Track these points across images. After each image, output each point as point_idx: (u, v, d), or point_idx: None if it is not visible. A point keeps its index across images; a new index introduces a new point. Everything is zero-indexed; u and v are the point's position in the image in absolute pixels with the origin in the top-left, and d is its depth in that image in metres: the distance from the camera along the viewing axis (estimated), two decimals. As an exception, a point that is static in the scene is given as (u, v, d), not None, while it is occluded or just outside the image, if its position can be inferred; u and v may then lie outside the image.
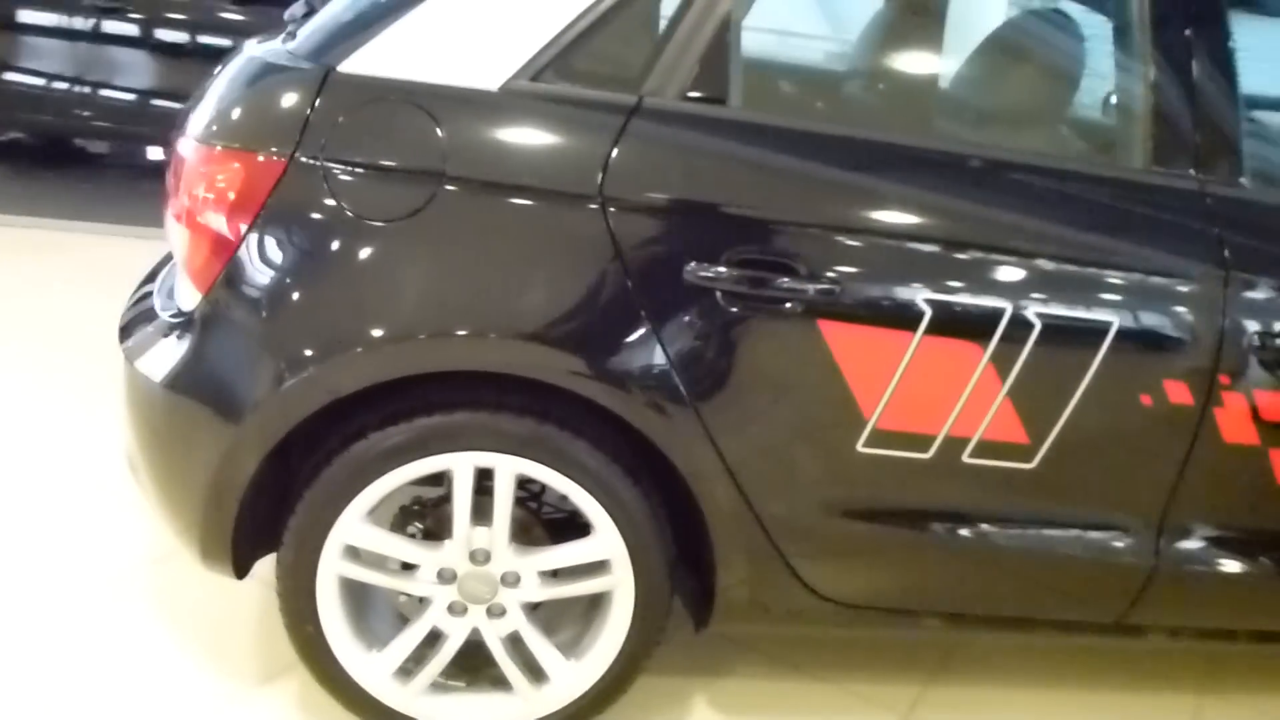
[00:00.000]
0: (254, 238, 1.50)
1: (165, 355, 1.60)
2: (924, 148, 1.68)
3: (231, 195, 1.50)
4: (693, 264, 1.50)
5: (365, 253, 1.49)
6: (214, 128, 1.56)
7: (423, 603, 1.70)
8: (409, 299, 1.50)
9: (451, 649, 1.71)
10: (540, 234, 1.51)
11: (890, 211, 1.56)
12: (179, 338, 1.59)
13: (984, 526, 1.70)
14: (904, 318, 1.54)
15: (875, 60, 2.00)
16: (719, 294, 1.51)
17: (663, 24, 1.58)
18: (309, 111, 1.49)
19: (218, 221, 1.52)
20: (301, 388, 1.49)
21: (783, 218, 1.54)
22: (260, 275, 1.51)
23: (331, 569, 1.63)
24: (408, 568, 1.69)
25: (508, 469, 1.59)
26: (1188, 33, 1.65)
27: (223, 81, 1.63)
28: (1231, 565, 1.78)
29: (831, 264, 1.53)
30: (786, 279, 1.51)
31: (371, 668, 1.70)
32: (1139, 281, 1.61)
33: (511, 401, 1.57)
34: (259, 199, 1.49)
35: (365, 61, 1.52)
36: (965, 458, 1.62)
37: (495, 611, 1.69)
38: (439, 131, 1.49)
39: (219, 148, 1.53)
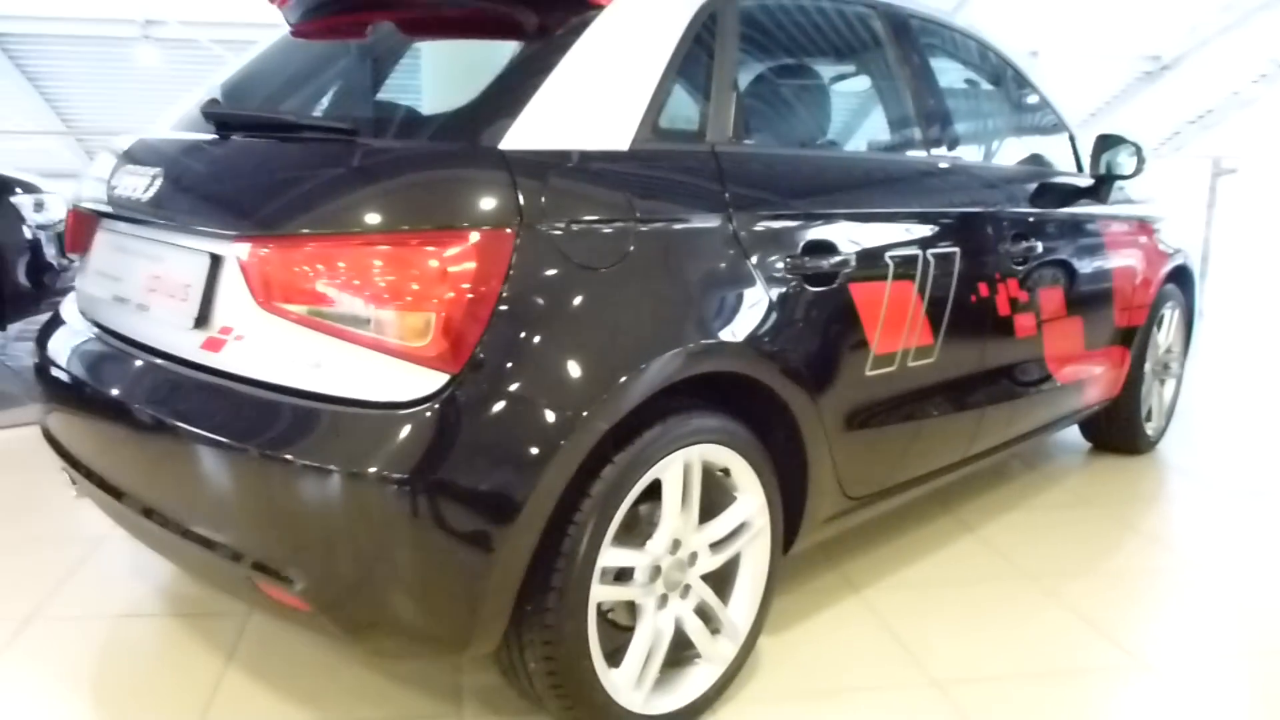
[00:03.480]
0: (506, 305, 1.61)
1: (403, 449, 1.55)
2: (875, 158, 2.46)
3: (468, 268, 1.59)
4: (786, 257, 2.00)
5: (603, 295, 1.70)
6: (408, 214, 1.61)
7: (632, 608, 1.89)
8: (654, 322, 1.76)
9: (666, 642, 1.92)
10: (709, 258, 1.88)
11: (865, 198, 2.26)
12: (422, 426, 1.56)
13: (920, 407, 2.46)
14: (881, 272, 2.23)
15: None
16: (803, 277, 2.03)
17: (698, 88, 2.03)
18: (515, 187, 1.65)
19: (460, 297, 1.58)
20: (585, 430, 1.63)
21: (821, 211, 2.13)
22: (521, 338, 1.62)
23: (594, 597, 1.76)
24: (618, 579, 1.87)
25: (697, 458, 1.90)
26: None
27: (364, 173, 1.66)
28: (1008, 391, 2.80)
29: (849, 241, 2.15)
30: (831, 258, 2.09)
31: (619, 685, 1.85)
32: (962, 221, 2.53)
33: (687, 403, 1.88)
34: (501, 268, 1.61)
35: (522, 137, 1.72)
36: (910, 363, 2.36)
37: (684, 593, 1.96)
38: (624, 188, 1.78)
39: (444, 228, 1.60)
